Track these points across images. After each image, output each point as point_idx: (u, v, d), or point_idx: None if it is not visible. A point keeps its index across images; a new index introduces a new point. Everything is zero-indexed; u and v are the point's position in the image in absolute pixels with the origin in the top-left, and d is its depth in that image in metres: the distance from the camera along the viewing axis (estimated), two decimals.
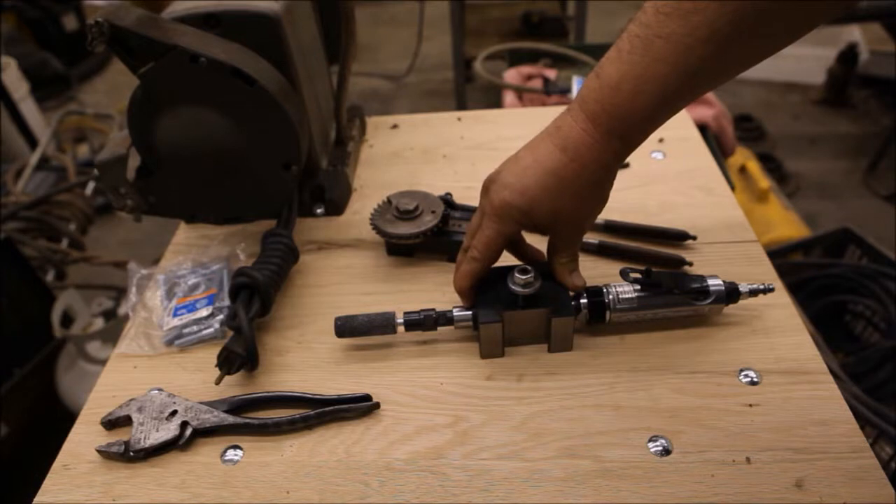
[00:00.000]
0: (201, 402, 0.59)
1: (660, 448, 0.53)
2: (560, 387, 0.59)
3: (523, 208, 0.56)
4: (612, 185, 0.57)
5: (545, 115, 0.81)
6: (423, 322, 0.62)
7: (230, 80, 0.65)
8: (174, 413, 0.58)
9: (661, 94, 0.50)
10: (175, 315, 0.68)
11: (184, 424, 0.57)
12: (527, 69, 1.69)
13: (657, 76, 0.49)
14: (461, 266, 0.61)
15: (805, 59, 2.94)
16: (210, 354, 0.62)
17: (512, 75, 1.67)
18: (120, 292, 1.62)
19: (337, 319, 0.63)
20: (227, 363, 0.59)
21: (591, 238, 0.72)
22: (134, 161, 0.71)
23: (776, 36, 0.48)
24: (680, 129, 0.92)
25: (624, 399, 0.58)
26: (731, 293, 0.62)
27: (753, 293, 0.62)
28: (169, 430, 0.56)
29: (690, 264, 0.70)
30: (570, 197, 0.56)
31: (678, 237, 0.73)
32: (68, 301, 1.48)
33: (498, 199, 0.57)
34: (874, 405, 1.29)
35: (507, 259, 0.61)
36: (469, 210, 0.76)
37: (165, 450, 0.56)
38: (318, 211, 0.83)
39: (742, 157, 2.10)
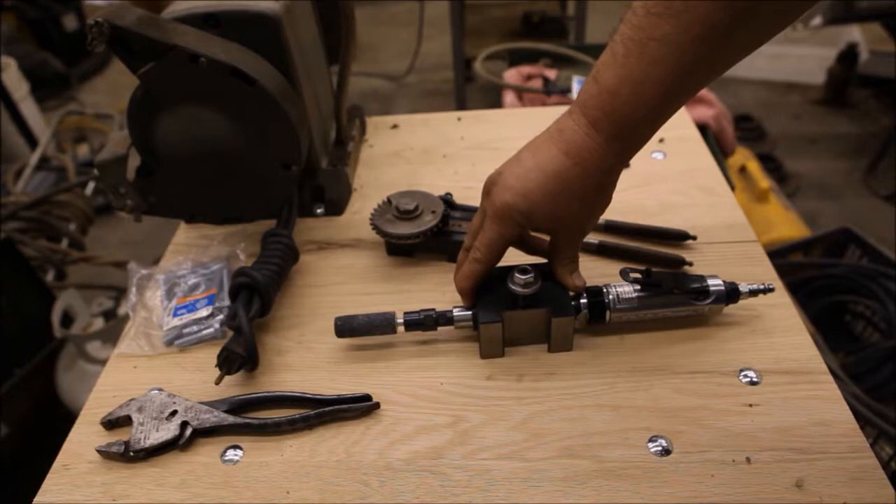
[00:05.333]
0: (201, 402, 0.59)
1: (660, 448, 0.53)
2: (560, 387, 0.59)
3: (525, 211, 0.56)
4: (614, 187, 0.57)
5: (545, 115, 0.81)
6: (423, 322, 0.62)
7: (230, 80, 0.65)
8: (174, 413, 0.58)
9: (660, 95, 0.50)
10: (175, 315, 0.68)
11: (184, 424, 0.57)
12: (527, 69, 1.69)
13: (654, 79, 0.49)
14: (463, 267, 0.61)
15: (805, 59, 2.94)
16: (210, 354, 0.62)
17: (512, 75, 1.67)
18: (120, 292, 1.62)
19: (337, 319, 0.63)
20: (227, 363, 0.59)
21: (591, 238, 0.72)
22: (134, 161, 0.71)
23: (769, 26, 0.48)
24: (680, 129, 0.92)
25: (624, 399, 0.58)
26: (731, 293, 0.62)
27: (753, 293, 0.62)
28: (169, 430, 0.56)
29: (690, 264, 0.70)
30: (572, 200, 0.56)
31: (678, 237, 0.73)
32: (68, 301, 1.48)
33: (499, 202, 0.57)
34: (874, 405, 1.30)
35: (507, 259, 0.61)
36: (469, 210, 0.76)
37: (165, 450, 0.56)
38: (318, 211, 0.83)
39: (742, 157, 2.10)
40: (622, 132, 0.52)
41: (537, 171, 0.55)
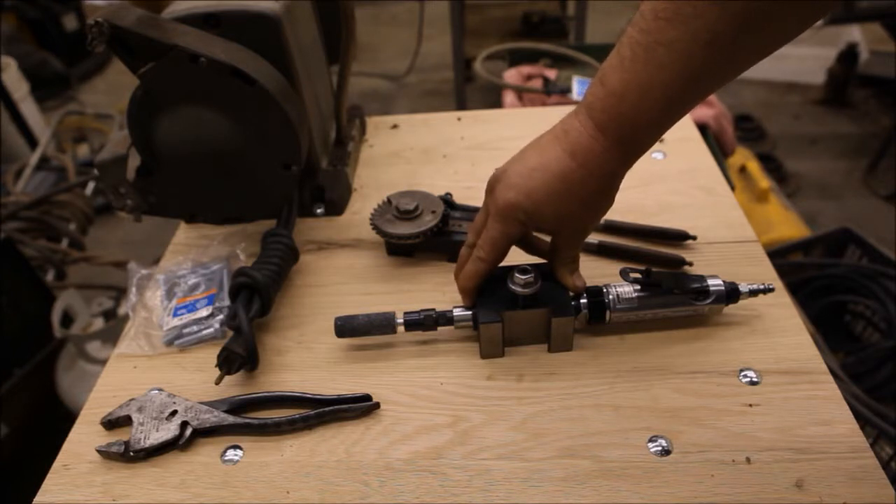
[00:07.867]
0: (201, 402, 0.59)
1: (659, 448, 0.53)
2: (560, 387, 0.59)
3: (528, 210, 0.56)
4: (617, 190, 0.57)
5: (545, 115, 0.81)
6: (423, 322, 0.62)
7: (230, 80, 0.65)
8: (174, 413, 0.58)
9: (666, 100, 0.49)
10: (175, 315, 0.68)
11: (184, 424, 0.57)
12: (527, 69, 1.69)
13: (661, 84, 0.48)
14: (467, 266, 0.61)
15: (805, 59, 2.94)
16: (210, 354, 0.62)
17: (512, 75, 1.67)
18: (120, 292, 1.62)
19: (337, 319, 0.63)
20: (227, 363, 0.60)
21: (591, 238, 0.71)
22: (134, 161, 0.71)
23: (778, 34, 0.47)
24: (680, 129, 0.92)
25: (624, 399, 0.58)
26: (731, 293, 0.62)
27: (753, 293, 0.62)
28: (169, 430, 0.56)
29: (690, 264, 0.70)
30: (575, 202, 0.55)
31: (678, 237, 0.73)
32: (68, 301, 1.48)
33: (503, 200, 0.56)
34: (874, 405, 1.30)
35: (507, 258, 0.61)
36: (469, 210, 0.76)
37: (165, 450, 0.56)
38: (318, 211, 0.83)
39: (742, 157, 2.10)
40: (627, 136, 0.52)
41: (542, 170, 0.55)
